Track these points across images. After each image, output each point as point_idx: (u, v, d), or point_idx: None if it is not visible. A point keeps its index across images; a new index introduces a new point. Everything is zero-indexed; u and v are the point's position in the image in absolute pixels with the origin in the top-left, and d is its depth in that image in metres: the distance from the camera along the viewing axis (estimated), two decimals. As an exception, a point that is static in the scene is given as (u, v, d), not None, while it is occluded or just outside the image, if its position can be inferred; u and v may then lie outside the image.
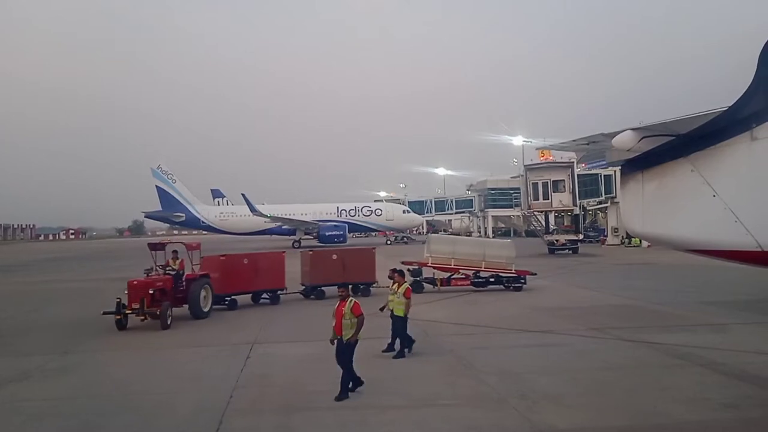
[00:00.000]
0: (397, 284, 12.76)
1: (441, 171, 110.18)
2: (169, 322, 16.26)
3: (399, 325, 12.48)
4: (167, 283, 17.32)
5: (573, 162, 45.31)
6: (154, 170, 67.62)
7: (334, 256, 22.00)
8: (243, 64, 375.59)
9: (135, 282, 16.77)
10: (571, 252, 44.07)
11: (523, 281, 22.86)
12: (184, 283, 18.05)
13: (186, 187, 68.63)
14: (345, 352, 9.98)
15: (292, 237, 64.02)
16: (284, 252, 22.40)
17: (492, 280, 22.90)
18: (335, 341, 10.14)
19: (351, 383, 9.90)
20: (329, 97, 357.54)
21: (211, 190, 77.73)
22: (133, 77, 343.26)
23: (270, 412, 9.04)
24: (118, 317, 16.19)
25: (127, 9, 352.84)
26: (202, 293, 18.01)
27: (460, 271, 23.01)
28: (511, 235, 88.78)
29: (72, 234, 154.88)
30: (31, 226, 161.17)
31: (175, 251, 19.08)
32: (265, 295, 20.96)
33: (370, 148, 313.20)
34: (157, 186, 67.45)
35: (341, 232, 61.65)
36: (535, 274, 23.81)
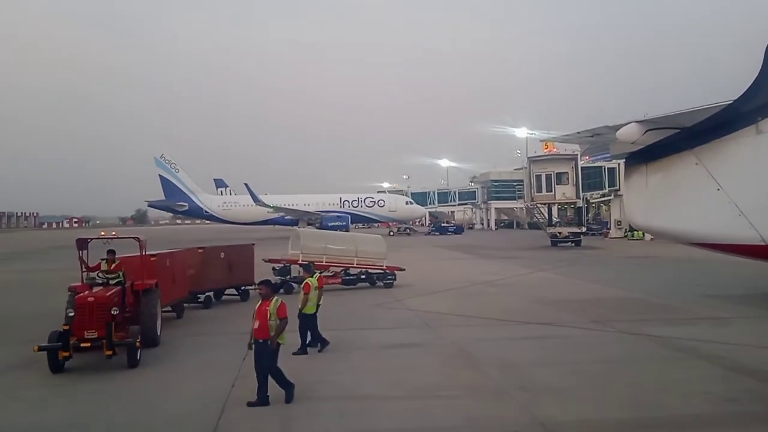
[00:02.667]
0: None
1: (444, 162, 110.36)
2: (138, 357, 11.21)
3: (307, 322, 12.18)
4: (119, 298, 12.16)
5: (577, 154, 45.27)
6: (157, 159, 67.80)
7: (222, 255, 19.72)
8: (247, 54, 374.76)
9: (90, 298, 11.30)
10: (573, 244, 43.93)
11: (392, 278, 22.36)
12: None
13: (189, 177, 68.90)
14: (269, 357, 9.08)
15: (294, 227, 64.18)
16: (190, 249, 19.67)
17: (363, 277, 22.30)
18: (254, 345, 9.17)
19: (286, 386, 9.13)
20: (333, 87, 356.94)
21: (214, 179, 77.99)
22: (138, 66, 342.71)
23: (271, 402, 9.06)
24: (65, 354, 10.67)
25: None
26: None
27: (330, 268, 22.07)
28: (514, 227, 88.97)
29: (75, 222, 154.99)
30: (35, 215, 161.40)
31: (111, 251, 13.43)
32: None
33: (374, 139, 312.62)
34: (160, 175, 67.69)
35: (344, 223, 61.85)
36: (404, 269, 22.99)
